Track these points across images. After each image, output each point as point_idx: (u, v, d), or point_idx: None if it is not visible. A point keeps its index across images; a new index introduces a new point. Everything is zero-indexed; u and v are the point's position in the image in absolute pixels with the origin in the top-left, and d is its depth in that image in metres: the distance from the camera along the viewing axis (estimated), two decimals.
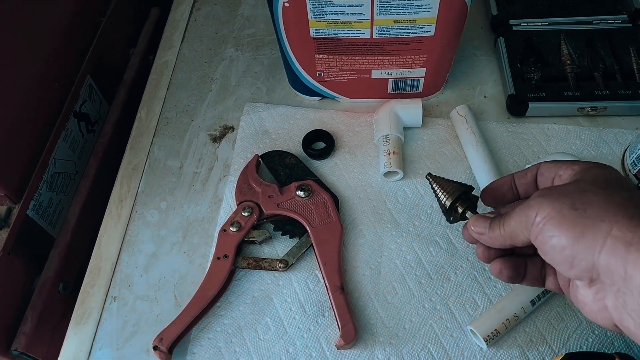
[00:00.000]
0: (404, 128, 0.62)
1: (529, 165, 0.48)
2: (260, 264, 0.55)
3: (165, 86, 0.70)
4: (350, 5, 0.52)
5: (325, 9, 0.53)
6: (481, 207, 0.48)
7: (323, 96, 0.66)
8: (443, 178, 0.49)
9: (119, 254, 0.58)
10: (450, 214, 0.48)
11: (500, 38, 0.67)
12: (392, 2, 0.52)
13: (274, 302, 0.54)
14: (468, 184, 0.48)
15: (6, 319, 0.57)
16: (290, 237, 0.57)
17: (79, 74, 0.67)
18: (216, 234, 0.58)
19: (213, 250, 0.57)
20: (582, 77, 0.63)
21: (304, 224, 0.56)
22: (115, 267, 0.58)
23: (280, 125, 0.65)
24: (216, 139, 0.65)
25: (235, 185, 0.60)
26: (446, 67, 0.63)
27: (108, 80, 0.74)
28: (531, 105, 0.62)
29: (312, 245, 0.55)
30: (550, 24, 0.68)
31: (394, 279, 0.54)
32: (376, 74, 0.61)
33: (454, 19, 0.55)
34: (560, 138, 0.62)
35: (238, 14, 0.76)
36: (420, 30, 0.55)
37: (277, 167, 0.61)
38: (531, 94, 0.62)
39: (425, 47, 0.58)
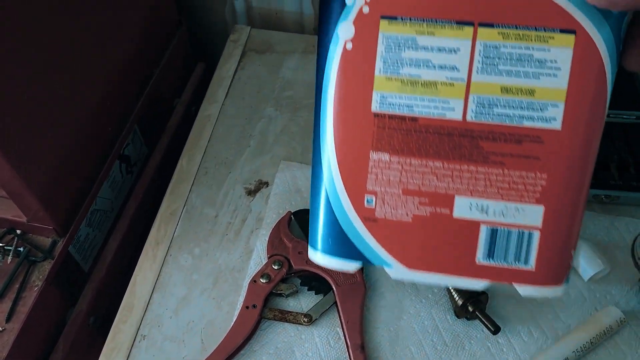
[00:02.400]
0: None
1: None
2: (285, 317, 0.58)
3: (207, 138, 0.74)
4: (440, 50, 0.33)
5: (402, 55, 0.33)
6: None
7: (367, 261, 0.36)
8: None
9: (151, 294, 0.61)
10: (461, 313, 0.54)
11: None
12: (502, 49, 0.32)
13: (295, 354, 0.57)
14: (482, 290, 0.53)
15: (40, 346, 0.60)
16: (316, 293, 0.60)
17: (130, 121, 0.72)
18: (245, 284, 0.61)
19: (241, 298, 0.60)
20: (597, 166, 0.68)
21: (330, 281, 0.59)
22: (147, 306, 0.61)
23: None
24: (251, 193, 0.69)
25: (268, 238, 0.63)
26: (578, 215, 0.34)
27: (152, 127, 0.79)
28: None
29: (336, 302, 0.59)
30: None
31: (412, 342, 0.57)
32: (462, 207, 0.34)
33: (591, 100, 0.32)
34: None
35: (279, 76, 0.82)
36: (539, 115, 0.33)
37: (308, 225, 0.64)
38: None
39: (546, 153, 0.33)
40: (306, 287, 0.61)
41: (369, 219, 0.36)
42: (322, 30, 0.34)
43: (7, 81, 0.49)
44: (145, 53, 0.75)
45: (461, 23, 0.32)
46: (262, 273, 0.60)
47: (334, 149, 0.35)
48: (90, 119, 0.64)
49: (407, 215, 0.35)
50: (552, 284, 0.35)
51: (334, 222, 0.36)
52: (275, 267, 0.60)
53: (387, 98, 0.34)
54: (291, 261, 0.61)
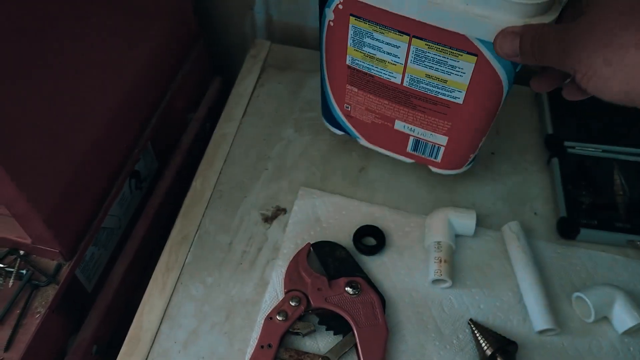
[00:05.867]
0: (455, 235, 0.63)
1: None
2: (302, 358, 0.55)
3: (223, 159, 0.71)
4: (388, 44, 0.53)
5: (364, 40, 0.54)
6: None
7: (346, 132, 0.68)
8: (485, 327, 0.56)
9: (159, 326, 0.58)
10: None
11: (555, 158, 0.69)
12: (427, 54, 0.52)
13: None
14: (511, 339, 0.54)
15: None
16: (335, 333, 0.57)
17: (143, 137, 0.69)
18: (260, 320, 0.57)
19: (254, 335, 0.57)
20: (632, 209, 0.65)
21: (350, 322, 0.56)
22: (154, 339, 0.57)
23: (332, 214, 0.66)
24: (268, 219, 0.66)
25: (285, 271, 0.60)
26: (471, 145, 0.61)
27: (165, 142, 0.75)
28: (583, 231, 0.63)
29: (356, 345, 0.55)
30: (603, 151, 0.70)
31: None
32: (399, 125, 0.62)
33: (486, 94, 0.54)
34: (607, 267, 0.62)
35: (300, 95, 0.78)
36: (449, 94, 0.55)
37: (327, 259, 0.61)
38: (583, 220, 0.63)
39: (452, 113, 0.57)
40: (324, 327, 0.57)
41: (347, 115, 0.65)
42: (320, 10, 0.55)
43: (14, 99, 0.46)
44: (163, 66, 0.71)
45: (402, 32, 0.52)
46: (278, 310, 0.56)
47: (327, 80, 0.63)
48: (102, 136, 0.60)
49: (368, 119, 0.64)
50: (451, 169, 0.65)
51: (332, 113, 0.67)
52: (293, 304, 0.57)
53: (355, 60, 0.58)
54: (310, 298, 0.57)
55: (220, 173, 0.70)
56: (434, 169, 0.66)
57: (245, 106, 0.77)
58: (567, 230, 0.64)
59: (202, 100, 0.82)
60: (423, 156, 0.65)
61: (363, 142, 0.68)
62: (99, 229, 0.63)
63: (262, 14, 0.87)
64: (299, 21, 0.87)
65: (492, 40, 0.46)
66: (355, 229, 0.64)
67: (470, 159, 0.64)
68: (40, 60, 0.48)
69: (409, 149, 0.65)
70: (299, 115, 0.76)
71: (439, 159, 0.64)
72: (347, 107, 0.64)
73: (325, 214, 0.66)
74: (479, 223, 0.65)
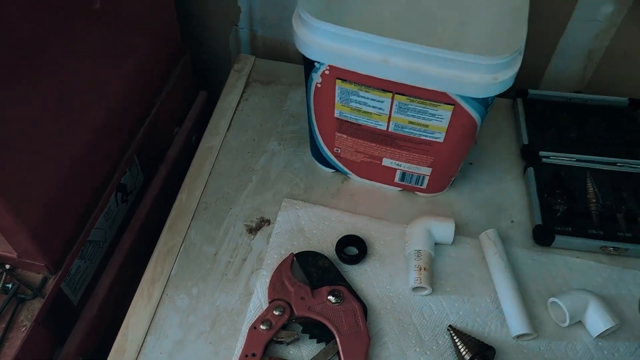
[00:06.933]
0: (434, 243, 0.65)
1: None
2: None
3: (208, 171, 0.72)
4: (372, 99, 0.59)
5: (350, 97, 0.60)
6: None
7: (337, 170, 0.72)
8: (464, 333, 0.58)
9: (145, 337, 0.59)
10: None
11: (530, 167, 0.71)
12: (409, 106, 0.58)
13: None
14: (489, 345, 0.56)
15: None
16: (318, 342, 0.58)
17: (129, 150, 0.70)
18: (244, 329, 0.58)
19: (239, 344, 0.58)
20: (605, 216, 0.67)
21: (333, 330, 0.57)
22: (140, 350, 0.58)
23: (315, 225, 0.67)
24: (252, 231, 0.67)
25: (268, 280, 0.61)
26: (451, 172, 0.68)
27: (151, 155, 0.77)
28: (557, 238, 0.65)
29: (338, 352, 0.56)
30: (577, 160, 0.72)
31: None
32: (387, 162, 0.67)
33: (462, 133, 0.61)
34: (582, 273, 0.64)
35: (284, 109, 0.80)
36: (431, 135, 0.61)
37: (310, 269, 0.62)
38: (558, 227, 0.66)
39: (433, 150, 0.63)
40: (308, 335, 0.58)
41: (337, 156, 0.70)
42: (305, 74, 0.62)
43: None
44: (149, 81, 0.73)
45: (385, 90, 0.58)
46: (262, 319, 0.58)
47: (316, 128, 0.68)
48: (89, 151, 0.61)
49: (357, 159, 0.69)
50: (436, 192, 0.71)
51: (322, 155, 0.71)
52: (277, 313, 0.58)
53: (343, 113, 0.63)
54: (293, 307, 0.58)
55: (205, 185, 0.71)
56: (420, 194, 0.71)
57: (230, 120, 0.78)
58: (542, 237, 0.66)
59: (187, 114, 0.84)
60: (410, 184, 0.70)
61: (354, 177, 0.72)
62: (85, 242, 0.63)
63: (246, 30, 0.89)
64: (283, 37, 0.89)
65: (467, 93, 0.54)
66: (338, 239, 0.65)
67: (451, 181, 0.71)
68: (26, 75, 0.50)
69: (396, 180, 0.70)
70: (282, 128, 0.78)
71: (424, 186, 0.70)
72: (337, 150, 0.69)
73: (309, 225, 0.68)
74: (458, 231, 0.67)
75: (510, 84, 0.55)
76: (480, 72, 0.53)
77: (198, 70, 0.90)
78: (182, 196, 0.70)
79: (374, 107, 0.60)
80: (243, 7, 0.86)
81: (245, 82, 0.83)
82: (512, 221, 0.69)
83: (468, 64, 0.52)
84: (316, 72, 0.59)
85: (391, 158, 0.66)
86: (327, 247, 0.66)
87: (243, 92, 0.82)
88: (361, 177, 0.72)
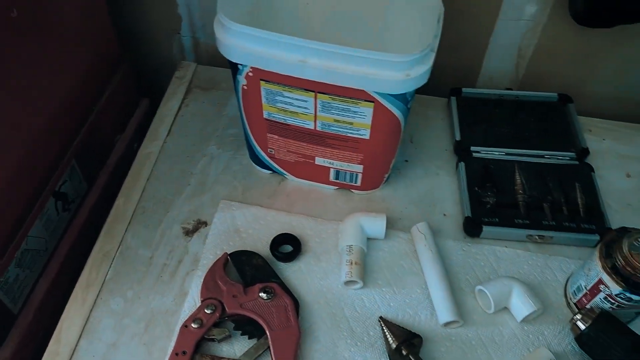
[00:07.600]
0: (367, 239, 0.66)
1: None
2: None
3: (146, 177, 0.73)
4: (297, 99, 0.61)
5: (276, 98, 0.62)
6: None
7: (273, 171, 0.74)
8: (393, 323, 0.59)
9: (78, 341, 0.59)
10: (395, 356, 0.56)
11: (462, 162, 0.74)
12: (332, 104, 0.60)
13: None
14: (417, 333, 0.57)
15: None
16: (249, 338, 0.59)
17: (66, 158, 0.70)
18: (177, 328, 0.59)
19: (172, 345, 0.58)
20: (532, 206, 0.69)
21: (264, 325, 0.58)
22: (72, 354, 0.58)
23: (251, 225, 0.69)
24: (189, 233, 0.68)
25: (202, 281, 0.62)
26: (383, 168, 0.70)
27: (91, 163, 0.77)
28: (485, 228, 0.67)
29: (269, 347, 0.57)
30: (506, 154, 0.74)
31: None
32: (319, 161, 0.69)
33: (387, 129, 0.63)
34: (510, 261, 0.66)
35: (223, 114, 0.81)
36: (357, 132, 0.63)
37: (244, 267, 0.63)
38: (486, 218, 0.68)
39: (362, 147, 0.65)
40: (240, 332, 0.59)
41: (272, 157, 0.71)
42: (233, 77, 0.63)
43: None
44: (86, 87, 0.73)
45: (307, 90, 0.60)
46: (194, 317, 0.58)
47: (249, 130, 0.69)
48: (23, 155, 0.62)
49: (291, 159, 0.70)
50: (371, 189, 0.73)
51: (258, 157, 0.72)
52: (208, 311, 0.59)
53: (271, 114, 0.65)
54: (225, 305, 0.59)
55: (143, 190, 0.72)
56: (355, 192, 0.73)
57: (170, 125, 0.79)
58: (471, 228, 0.68)
59: (129, 121, 0.85)
60: (344, 182, 0.72)
61: (290, 177, 0.74)
62: (19, 249, 0.63)
63: (188, 37, 0.90)
64: None
65: (383, 89, 0.57)
66: (273, 238, 0.67)
67: (385, 178, 0.73)
68: None
69: (331, 178, 0.72)
70: (222, 132, 0.79)
71: (358, 183, 0.71)
72: (271, 151, 0.70)
73: (245, 225, 0.69)
74: (392, 226, 0.69)
75: (425, 81, 0.57)
76: (393, 70, 0.55)
77: (141, 78, 0.91)
78: (119, 201, 0.71)
79: (299, 106, 0.62)
80: (183, 16, 0.87)
81: (186, 88, 0.84)
82: (444, 214, 0.71)
83: (381, 61, 0.55)
84: (241, 75, 0.61)
85: (323, 157, 0.68)
86: (262, 246, 0.67)
87: (184, 99, 0.83)
88: (297, 177, 0.73)
